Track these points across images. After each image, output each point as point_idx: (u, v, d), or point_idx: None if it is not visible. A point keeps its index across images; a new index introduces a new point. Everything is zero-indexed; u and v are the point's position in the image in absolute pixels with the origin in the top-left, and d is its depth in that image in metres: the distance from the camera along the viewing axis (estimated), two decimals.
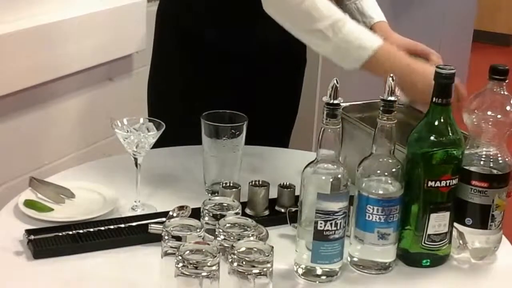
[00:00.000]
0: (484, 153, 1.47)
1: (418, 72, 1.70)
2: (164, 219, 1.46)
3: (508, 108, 1.46)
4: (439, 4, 4.49)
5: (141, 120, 1.60)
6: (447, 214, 1.44)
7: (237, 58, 1.95)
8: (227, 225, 1.35)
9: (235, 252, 1.24)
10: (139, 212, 1.59)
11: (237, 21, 1.91)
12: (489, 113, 1.46)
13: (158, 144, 1.62)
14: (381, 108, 1.40)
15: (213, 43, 1.93)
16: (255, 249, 1.27)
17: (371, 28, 1.94)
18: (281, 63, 2.02)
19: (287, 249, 1.45)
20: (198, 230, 1.32)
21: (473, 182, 1.46)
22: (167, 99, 2.04)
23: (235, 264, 1.24)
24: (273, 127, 2.07)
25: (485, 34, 6.38)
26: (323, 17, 1.69)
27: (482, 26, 6.19)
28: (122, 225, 1.51)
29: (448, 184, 1.43)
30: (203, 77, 1.97)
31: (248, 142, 1.72)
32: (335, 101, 1.35)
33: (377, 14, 1.98)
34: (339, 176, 1.37)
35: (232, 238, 1.32)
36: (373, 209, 1.40)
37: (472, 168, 1.46)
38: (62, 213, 1.57)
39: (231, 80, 1.97)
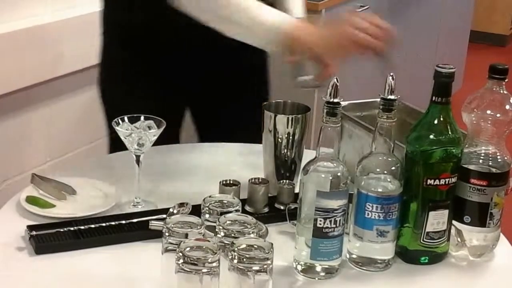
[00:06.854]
0: (483, 151, 1.48)
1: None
2: (164, 215, 1.47)
3: (507, 107, 1.47)
4: (436, 5, 4.50)
5: (142, 118, 1.60)
6: (446, 212, 1.45)
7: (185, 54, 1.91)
8: (227, 222, 1.36)
9: (235, 249, 1.25)
10: (140, 208, 1.60)
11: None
12: (488, 112, 1.46)
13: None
14: (380, 107, 1.41)
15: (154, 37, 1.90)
16: (255, 246, 1.27)
17: None
18: (238, 57, 1.96)
19: (286, 246, 1.46)
20: (198, 227, 1.32)
21: (472, 181, 1.46)
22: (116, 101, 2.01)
23: (235, 261, 1.24)
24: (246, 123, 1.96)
25: (482, 35, 6.40)
26: None
27: (479, 27, 6.21)
28: (123, 222, 1.52)
29: (447, 182, 1.43)
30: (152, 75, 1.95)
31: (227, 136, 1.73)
32: (335, 100, 1.36)
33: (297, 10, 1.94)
34: (339, 174, 1.37)
35: (232, 235, 1.32)
36: (372, 206, 1.41)
37: (471, 167, 1.47)
38: (63, 209, 1.58)
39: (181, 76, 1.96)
